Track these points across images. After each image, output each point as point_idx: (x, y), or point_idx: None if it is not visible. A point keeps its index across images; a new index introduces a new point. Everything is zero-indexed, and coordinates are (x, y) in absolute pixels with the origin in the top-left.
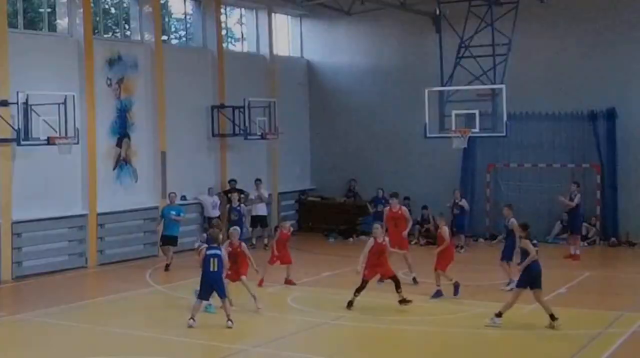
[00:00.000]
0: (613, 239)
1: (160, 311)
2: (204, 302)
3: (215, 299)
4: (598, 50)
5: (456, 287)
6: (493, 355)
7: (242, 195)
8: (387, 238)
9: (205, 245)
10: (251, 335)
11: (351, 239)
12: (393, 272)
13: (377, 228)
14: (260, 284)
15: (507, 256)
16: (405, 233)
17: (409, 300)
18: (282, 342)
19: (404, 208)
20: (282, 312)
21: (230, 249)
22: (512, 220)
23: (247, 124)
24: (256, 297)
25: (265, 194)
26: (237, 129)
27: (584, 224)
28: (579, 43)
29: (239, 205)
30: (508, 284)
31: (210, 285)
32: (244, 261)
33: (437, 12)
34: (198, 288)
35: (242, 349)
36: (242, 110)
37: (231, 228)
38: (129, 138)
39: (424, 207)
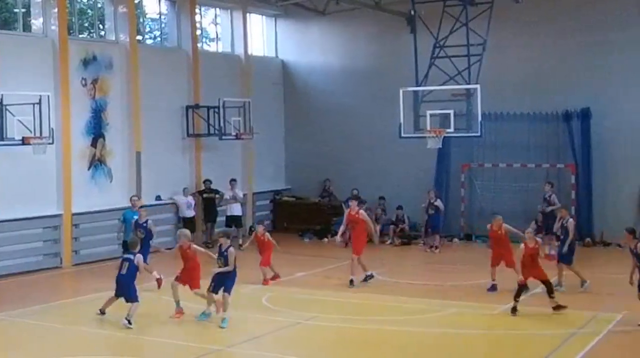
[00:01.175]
0: (588, 239)
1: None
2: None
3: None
4: (572, 51)
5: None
6: (466, 355)
7: (217, 196)
8: (539, 241)
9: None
10: (225, 335)
11: (326, 239)
12: (546, 276)
13: (529, 232)
14: (265, 283)
15: (566, 259)
16: (375, 236)
17: (564, 306)
18: (256, 342)
19: (362, 211)
20: (256, 312)
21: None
22: (571, 220)
23: (221, 124)
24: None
25: (240, 194)
26: (211, 129)
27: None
28: (553, 43)
29: (145, 221)
30: (582, 285)
31: (120, 287)
32: (196, 267)
33: (412, 12)
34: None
35: (216, 349)
36: (216, 110)
37: (179, 231)
38: (103, 138)
39: (399, 207)
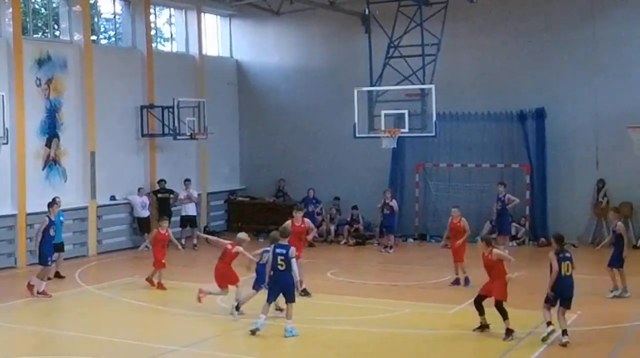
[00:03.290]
0: (542, 239)
1: (90, 311)
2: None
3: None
4: (527, 50)
5: (467, 278)
6: (421, 355)
7: (172, 195)
8: (494, 251)
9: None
10: (181, 335)
11: None
12: (500, 296)
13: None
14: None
15: (615, 262)
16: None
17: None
18: (212, 342)
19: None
20: (212, 312)
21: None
22: (619, 224)
23: (176, 124)
24: None
25: (195, 194)
26: (166, 129)
27: (513, 224)
28: (508, 43)
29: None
30: (611, 291)
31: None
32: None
33: (366, 12)
34: None
35: (172, 349)
36: (171, 110)
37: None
38: (58, 138)
39: (354, 207)
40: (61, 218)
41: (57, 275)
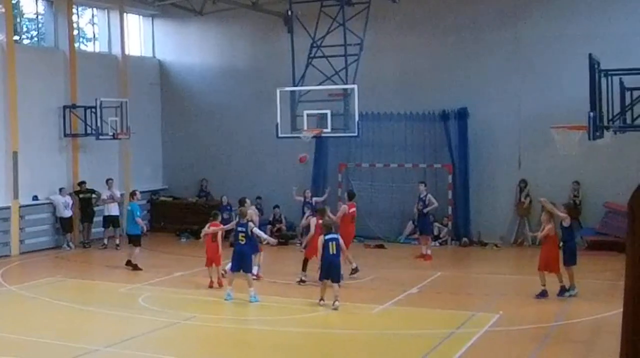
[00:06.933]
0: (465, 239)
1: (12, 311)
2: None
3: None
4: (450, 50)
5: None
6: (342, 355)
7: (94, 195)
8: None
9: None
10: (103, 335)
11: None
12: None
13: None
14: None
15: (571, 259)
16: None
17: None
18: (134, 342)
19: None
20: (134, 312)
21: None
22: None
23: (98, 124)
24: None
25: (117, 194)
26: (89, 129)
27: (436, 224)
28: (431, 42)
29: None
30: (568, 290)
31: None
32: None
33: (289, 12)
34: None
35: (93, 349)
36: (93, 110)
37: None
38: None
39: (276, 206)
40: (138, 212)
41: (130, 263)
